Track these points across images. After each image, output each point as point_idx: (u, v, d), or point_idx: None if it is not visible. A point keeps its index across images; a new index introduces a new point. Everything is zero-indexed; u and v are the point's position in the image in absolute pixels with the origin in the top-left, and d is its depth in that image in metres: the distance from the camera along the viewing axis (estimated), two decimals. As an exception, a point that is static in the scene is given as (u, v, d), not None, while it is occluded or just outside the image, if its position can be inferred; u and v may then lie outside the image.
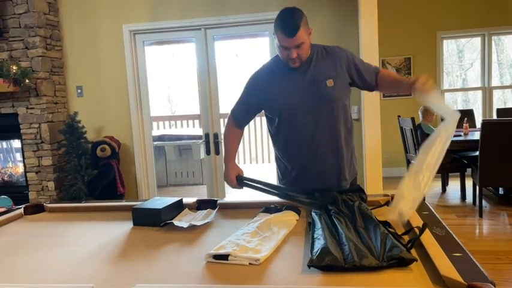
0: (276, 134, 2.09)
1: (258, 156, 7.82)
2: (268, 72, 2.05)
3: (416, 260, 1.17)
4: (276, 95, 1.99)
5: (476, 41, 6.24)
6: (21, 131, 4.26)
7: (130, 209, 1.79)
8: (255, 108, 2.10)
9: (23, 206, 2.04)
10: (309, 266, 1.18)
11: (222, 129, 4.57)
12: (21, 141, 4.31)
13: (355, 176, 2.15)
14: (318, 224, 1.45)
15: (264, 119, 6.11)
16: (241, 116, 2.15)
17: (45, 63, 4.18)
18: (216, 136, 4.34)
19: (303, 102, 1.95)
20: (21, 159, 4.39)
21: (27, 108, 4.22)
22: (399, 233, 1.38)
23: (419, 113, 4.93)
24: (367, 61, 2.10)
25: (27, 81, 4.06)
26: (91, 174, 4.24)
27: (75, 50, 4.42)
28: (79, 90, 4.47)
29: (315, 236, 1.35)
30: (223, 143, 2.17)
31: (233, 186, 2.05)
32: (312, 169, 2.01)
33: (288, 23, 1.84)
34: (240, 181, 2.03)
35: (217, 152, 4.36)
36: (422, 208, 1.68)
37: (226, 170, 2.07)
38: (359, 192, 1.80)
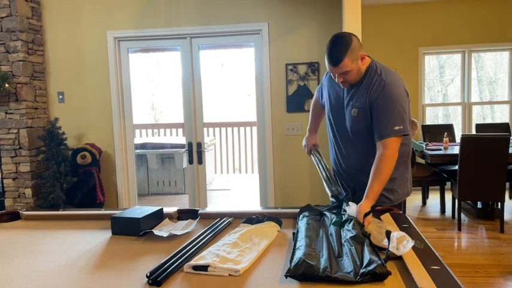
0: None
1: (242, 166, 7.82)
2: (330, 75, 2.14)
3: (391, 273, 1.17)
4: (326, 98, 2.21)
5: (457, 57, 6.39)
6: (-1, 136, 4.17)
7: (109, 218, 1.76)
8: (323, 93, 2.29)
9: (-2, 213, 1.99)
10: (286, 276, 1.18)
11: (206, 139, 4.57)
12: (-1, 147, 4.22)
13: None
14: (302, 234, 1.45)
15: (248, 129, 6.16)
16: (318, 94, 2.37)
17: (26, 67, 4.11)
18: (199, 145, 4.32)
19: (335, 117, 2.14)
20: (-2, 165, 4.29)
21: (6, 113, 4.13)
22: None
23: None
24: None
25: (7, 85, 3.99)
26: (70, 182, 4.16)
27: (58, 55, 4.37)
28: (60, 96, 4.40)
29: (297, 246, 1.36)
30: (310, 115, 2.50)
31: (307, 151, 2.42)
32: (339, 176, 2.22)
33: (333, 52, 1.88)
34: (313, 151, 2.37)
35: (199, 162, 4.33)
36: (402, 221, 1.70)
37: (306, 137, 2.44)
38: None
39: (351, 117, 2.00)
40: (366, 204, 1.74)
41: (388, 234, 1.37)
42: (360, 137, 2.01)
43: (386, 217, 1.75)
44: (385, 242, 1.37)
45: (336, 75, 1.94)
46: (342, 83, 1.97)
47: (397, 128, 1.87)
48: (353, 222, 1.52)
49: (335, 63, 1.87)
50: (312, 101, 2.46)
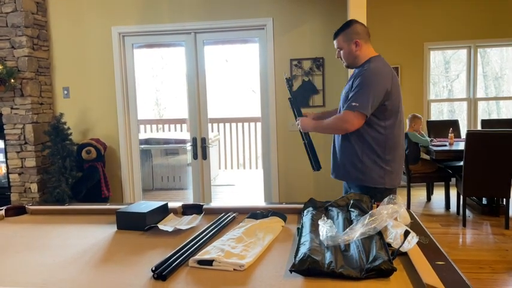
0: None
1: (246, 162, 7.82)
2: None
3: (396, 270, 1.17)
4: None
5: (463, 52, 6.35)
6: (5, 132, 4.19)
7: (114, 213, 1.77)
8: None
9: (4, 207, 2.00)
10: (291, 271, 1.18)
11: (210, 134, 4.57)
12: (5, 142, 4.23)
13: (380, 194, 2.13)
14: (306, 230, 1.45)
15: (252, 125, 6.19)
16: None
17: (32, 63, 4.12)
18: (203, 141, 4.33)
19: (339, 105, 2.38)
20: (4, 160, 4.31)
21: (11, 108, 4.15)
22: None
23: (407, 121, 4.98)
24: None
25: (12, 81, 4.00)
26: (76, 177, 4.18)
27: (63, 50, 4.38)
28: (65, 92, 4.42)
29: (301, 241, 1.35)
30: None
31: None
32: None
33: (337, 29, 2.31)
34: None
35: (204, 157, 4.34)
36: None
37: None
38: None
39: (345, 102, 2.25)
40: (308, 120, 2.49)
41: (406, 234, 1.35)
42: None
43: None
44: (390, 239, 1.37)
45: (337, 51, 2.34)
46: (340, 58, 2.34)
47: (353, 104, 2.11)
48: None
49: (333, 37, 2.33)
50: None
